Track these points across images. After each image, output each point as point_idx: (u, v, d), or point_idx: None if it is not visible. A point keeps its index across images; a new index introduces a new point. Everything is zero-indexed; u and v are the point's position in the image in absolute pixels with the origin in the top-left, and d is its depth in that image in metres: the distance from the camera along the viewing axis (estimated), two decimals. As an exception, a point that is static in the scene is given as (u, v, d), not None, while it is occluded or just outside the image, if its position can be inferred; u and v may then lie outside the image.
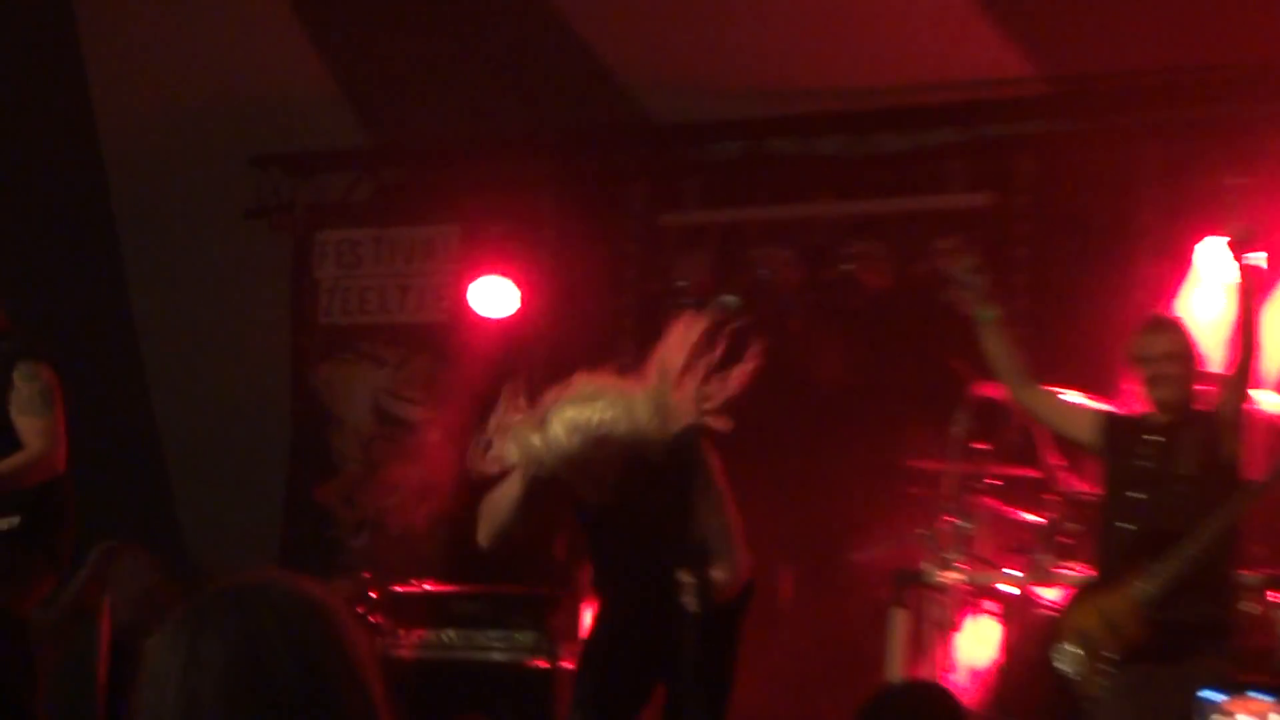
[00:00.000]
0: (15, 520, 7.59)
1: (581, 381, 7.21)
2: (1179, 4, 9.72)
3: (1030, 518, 9.25)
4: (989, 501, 9.31)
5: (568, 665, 9.94)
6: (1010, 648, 8.98)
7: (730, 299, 7.36)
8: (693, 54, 11.03)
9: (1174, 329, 8.22)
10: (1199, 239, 9.94)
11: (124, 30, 11.56)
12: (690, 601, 6.68)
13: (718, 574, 6.87)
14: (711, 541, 6.92)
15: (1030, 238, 10.76)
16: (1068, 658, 7.95)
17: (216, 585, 2.69)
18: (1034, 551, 9.07)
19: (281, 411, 12.69)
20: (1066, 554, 8.95)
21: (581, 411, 7.04)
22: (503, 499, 7.40)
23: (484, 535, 7.56)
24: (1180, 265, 10.04)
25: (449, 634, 10.29)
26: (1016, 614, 9.15)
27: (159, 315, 12.35)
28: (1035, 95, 10.72)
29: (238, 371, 12.28)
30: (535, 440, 7.10)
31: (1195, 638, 7.59)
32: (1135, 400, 8.16)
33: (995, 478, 9.32)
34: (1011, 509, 9.40)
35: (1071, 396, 8.48)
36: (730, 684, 7.31)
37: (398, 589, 10.57)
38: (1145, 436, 8.04)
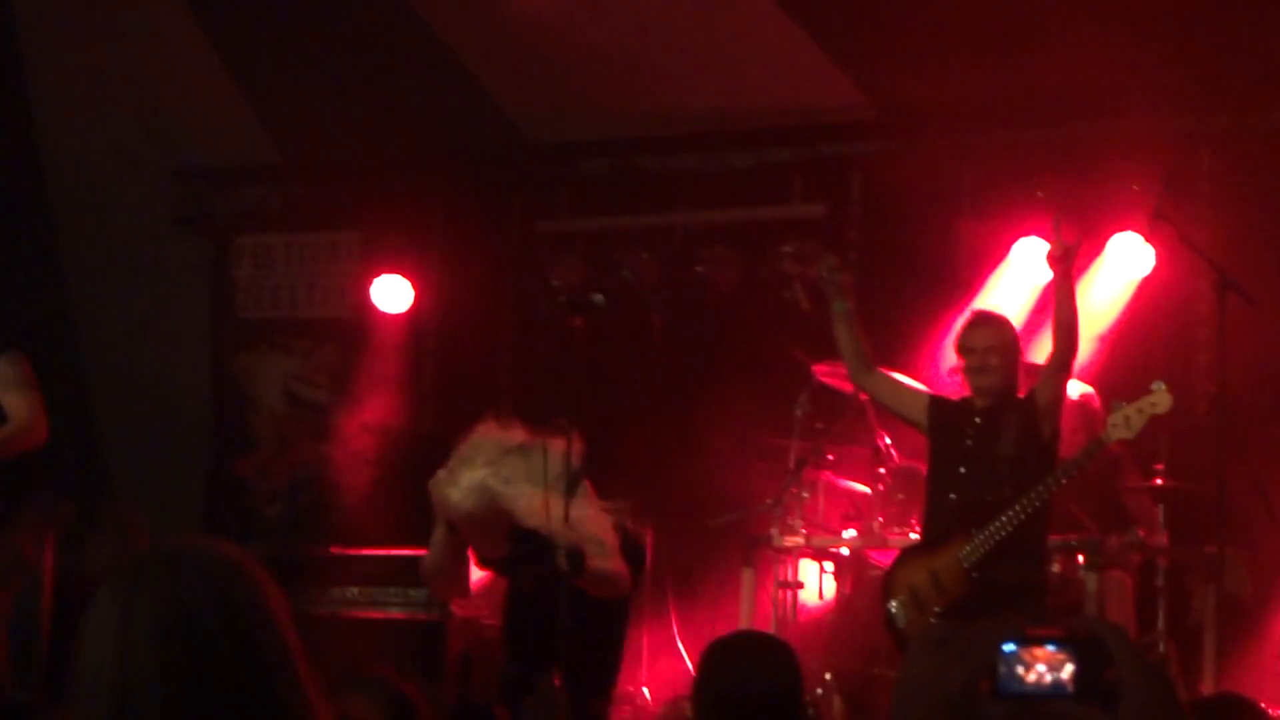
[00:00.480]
0: None
1: (486, 437, 7.04)
2: (991, 40, 9.59)
3: (862, 488, 9.14)
4: (826, 474, 9.20)
5: (459, 615, 9.80)
6: (844, 603, 8.85)
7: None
8: (565, 81, 10.92)
9: (996, 324, 8.05)
10: (1011, 243, 9.94)
11: (63, 58, 11.30)
12: (562, 560, 6.71)
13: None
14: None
15: (860, 243, 10.77)
16: (899, 610, 7.86)
17: (145, 550, 2.63)
18: (866, 518, 8.98)
19: (204, 395, 12.54)
20: (895, 520, 8.85)
21: (477, 475, 6.86)
22: (432, 544, 7.34)
23: (423, 574, 7.58)
24: (994, 267, 10.01)
25: (352, 591, 10.03)
26: (850, 573, 9.09)
27: (95, 310, 12.09)
28: (865, 119, 10.71)
29: (165, 360, 12.12)
30: (449, 494, 7.00)
31: (1011, 595, 7.48)
32: (960, 386, 8.03)
33: (832, 453, 9.18)
34: (846, 480, 9.28)
35: (905, 380, 8.30)
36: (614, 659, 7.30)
37: (307, 552, 10.43)
38: (970, 419, 7.87)
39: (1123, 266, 9.64)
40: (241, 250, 12.45)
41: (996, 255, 10.02)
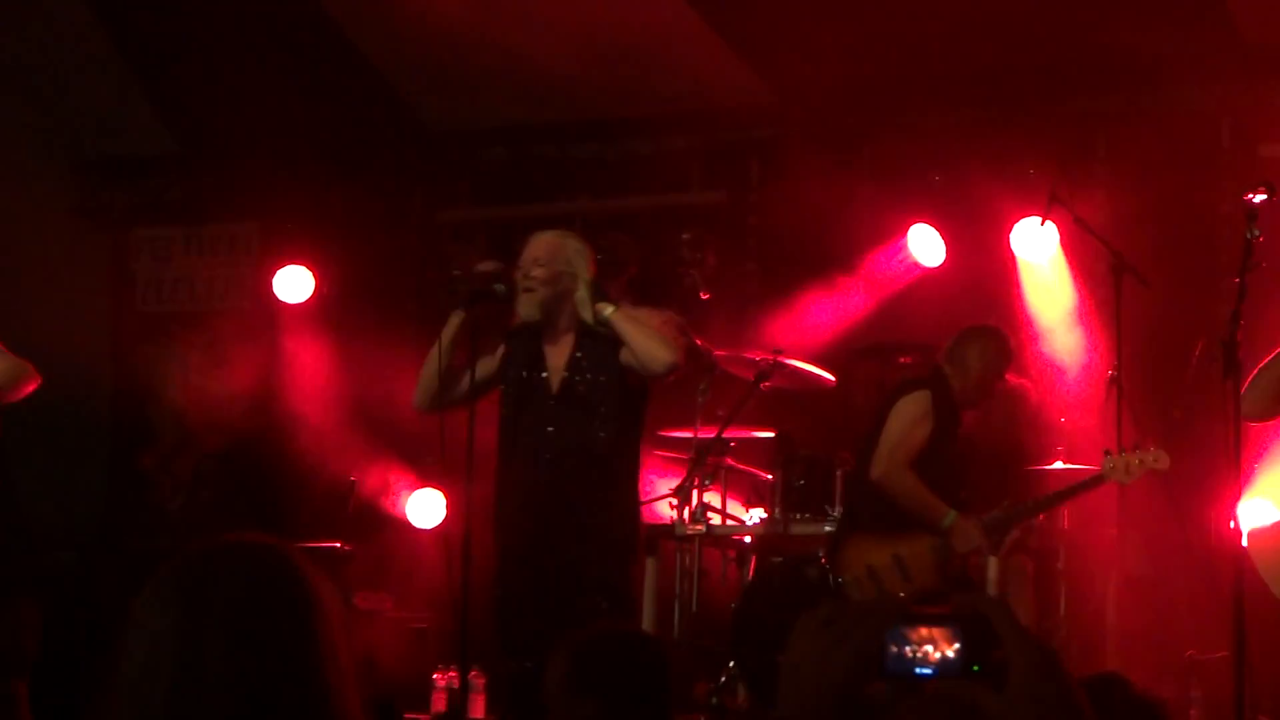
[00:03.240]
0: None
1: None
2: (886, 23, 9.49)
3: (765, 475, 8.98)
4: (729, 461, 9.01)
5: (363, 607, 9.75)
6: (747, 590, 8.69)
7: (500, 287, 6.96)
8: (464, 70, 10.72)
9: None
10: (908, 227, 9.83)
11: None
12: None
13: None
14: None
15: (760, 229, 10.68)
16: (852, 588, 7.86)
17: (202, 549, 2.60)
18: (769, 504, 8.85)
19: (104, 389, 12.29)
20: (797, 506, 8.71)
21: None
22: (438, 343, 6.91)
23: (418, 394, 7.02)
24: (892, 251, 9.86)
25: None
26: (753, 560, 8.96)
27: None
28: (763, 105, 10.58)
29: (64, 354, 11.71)
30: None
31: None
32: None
33: (734, 440, 9.00)
34: (749, 468, 9.12)
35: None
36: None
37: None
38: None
39: (1027, 251, 9.50)
40: (140, 243, 12.22)
41: (895, 239, 9.92)
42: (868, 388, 9.35)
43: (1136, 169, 9.62)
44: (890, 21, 9.50)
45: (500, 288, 6.87)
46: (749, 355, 8.92)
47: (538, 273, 6.82)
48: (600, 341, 6.70)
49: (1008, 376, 8.89)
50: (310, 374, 11.06)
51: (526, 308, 6.80)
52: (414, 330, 11.00)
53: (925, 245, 9.78)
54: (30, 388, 7.51)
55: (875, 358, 9.30)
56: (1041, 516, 8.44)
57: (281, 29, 10.78)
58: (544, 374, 6.79)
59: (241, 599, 2.52)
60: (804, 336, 9.63)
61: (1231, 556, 6.48)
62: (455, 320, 6.84)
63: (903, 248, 9.83)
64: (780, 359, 8.92)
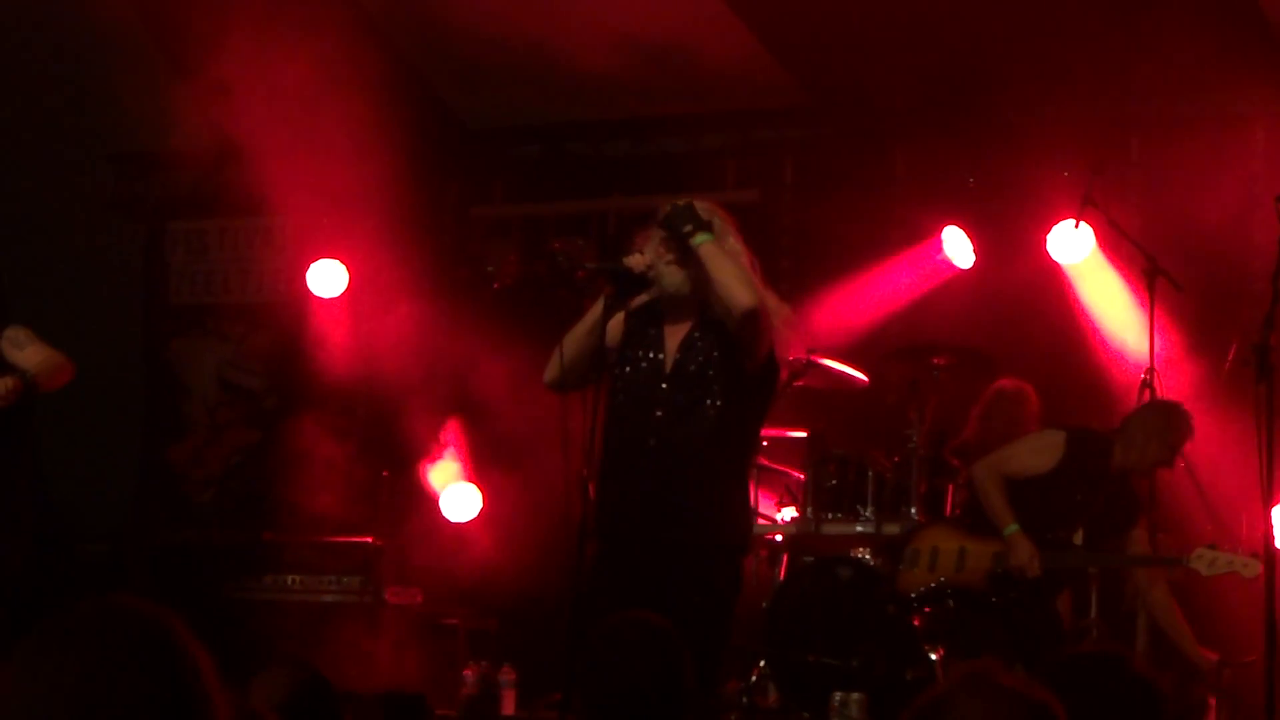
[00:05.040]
0: None
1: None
2: (922, 24, 9.54)
3: (796, 475, 9.03)
4: (760, 460, 9.01)
5: (394, 602, 9.80)
6: (779, 589, 8.73)
7: (648, 272, 6.51)
8: (500, 67, 10.79)
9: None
10: (942, 228, 9.89)
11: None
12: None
13: None
14: None
15: (792, 228, 10.67)
16: (911, 558, 8.19)
17: (66, 611, 2.56)
18: (800, 504, 8.89)
19: (136, 381, 12.32)
20: (829, 506, 8.76)
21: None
22: (582, 323, 6.60)
23: (553, 368, 6.63)
24: (925, 251, 9.90)
25: (285, 578, 9.96)
26: (784, 559, 9.01)
27: (26, 296, 11.85)
28: (797, 104, 10.65)
29: (97, 346, 11.81)
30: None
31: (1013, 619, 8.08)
32: None
33: (765, 439, 9.00)
34: (781, 467, 9.19)
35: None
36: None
37: (240, 539, 10.34)
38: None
39: (1064, 254, 9.53)
40: (175, 236, 12.28)
41: (928, 240, 9.96)
42: (900, 388, 9.38)
43: (1170, 172, 9.64)
44: (924, 24, 9.53)
45: (650, 274, 6.48)
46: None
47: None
48: (718, 326, 6.47)
49: (1006, 380, 8.98)
50: (343, 368, 11.11)
51: (672, 279, 6.47)
52: (446, 325, 11.09)
53: (958, 247, 9.83)
54: (65, 378, 7.58)
55: (907, 358, 9.32)
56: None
57: (318, 24, 10.82)
58: (660, 355, 6.55)
59: (93, 663, 2.49)
60: (836, 336, 9.67)
61: (1265, 560, 6.51)
62: (601, 304, 6.51)
63: (936, 248, 9.87)
64: (813, 358, 8.96)
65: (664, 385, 6.48)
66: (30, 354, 7.47)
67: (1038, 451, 8.17)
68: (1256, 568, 7.58)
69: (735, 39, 10.10)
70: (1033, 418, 8.93)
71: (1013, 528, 7.93)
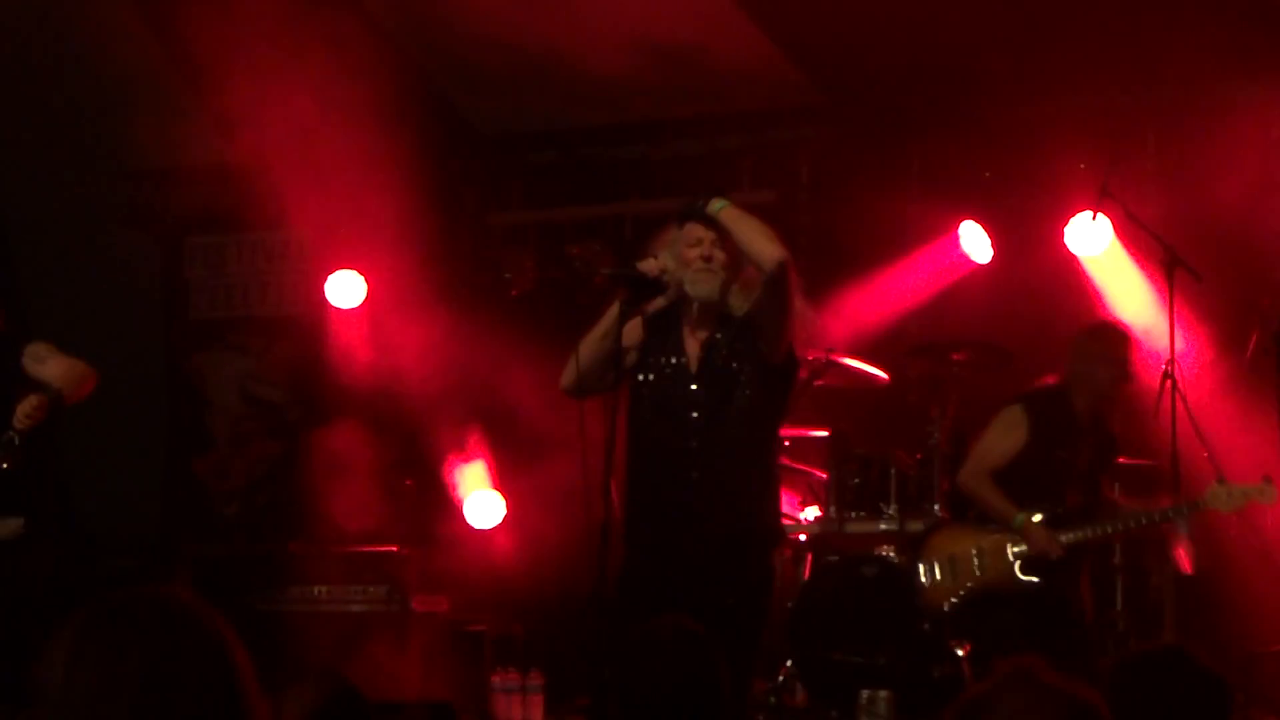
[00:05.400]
0: (19, 523, 7.39)
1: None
2: (935, 21, 9.53)
3: (819, 474, 9.04)
4: (783, 459, 9.01)
5: (420, 610, 9.83)
6: (804, 588, 8.74)
7: (665, 277, 6.54)
8: (514, 73, 10.81)
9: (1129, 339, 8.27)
10: (959, 223, 9.92)
11: (10, 55, 11.07)
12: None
13: None
14: None
15: (810, 228, 10.63)
16: (930, 571, 8.14)
17: (122, 596, 2.65)
18: (824, 502, 8.91)
19: (159, 396, 12.35)
20: (852, 505, 8.77)
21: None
22: (595, 331, 6.61)
23: (568, 374, 6.67)
24: (942, 248, 9.88)
25: (311, 589, 9.99)
26: (809, 558, 9.01)
27: (46, 313, 11.90)
28: (812, 104, 10.65)
29: (118, 362, 11.82)
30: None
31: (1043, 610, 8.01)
32: None
33: (787, 438, 9.03)
34: (803, 466, 9.17)
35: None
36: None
37: (266, 551, 10.38)
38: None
39: (1082, 247, 9.53)
40: (193, 250, 12.31)
41: (946, 236, 9.96)
42: (921, 385, 9.38)
43: (1187, 163, 9.63)
44: (938, 20, 9.52)
45: (665, 278, 6.53)
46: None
47: (720, 255, 6.52)
48: (736, 324, 6.55)
49: (1052, 378, 8.96)
50: (363, 379, 11.13)
51: (705, 287, 6.51)
52: (465, 332, 11.10)
53: (976, 242, 9.83)
54: (89, 387, 7.63)
55: (928, 355, 9.33)
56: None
57: (332, 35, 10.85)
58: (683, 359, 6.60)
59: (158, 651, 2.55)
60: (856, 335, 9.68)
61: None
62: (616, 309, 6.53)
63: (954, 244, 9.88)
64: (833, 357, 8.98)
65: (694, 386, 6.55)
66: (52, 367, 7.51)
67: (1005, 432, 8.21)
68: (1274, 492, 7.61)
69: (748, 40, 10.10)
70: None
71: (1019, 518, 7.94)
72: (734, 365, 6.53)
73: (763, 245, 6.41)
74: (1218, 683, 3.73)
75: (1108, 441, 8.21)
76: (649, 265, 6.52)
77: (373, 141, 11.30)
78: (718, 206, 6.42)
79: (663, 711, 4.60)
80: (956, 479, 8.33)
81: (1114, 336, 8.21)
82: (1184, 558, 8.07)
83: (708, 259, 6.50)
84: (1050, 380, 8.29)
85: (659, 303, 6.58)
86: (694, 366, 6.57)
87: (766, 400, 6.59)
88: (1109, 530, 8.06)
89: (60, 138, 11.53)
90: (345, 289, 11.30)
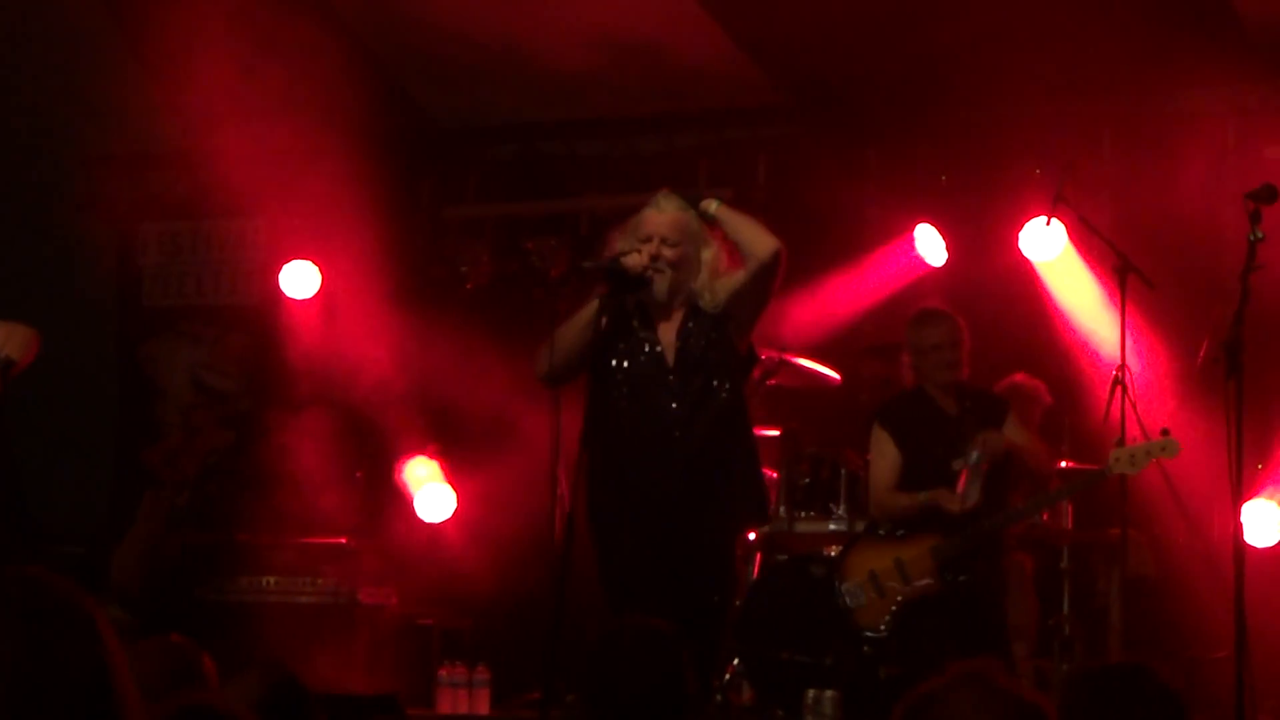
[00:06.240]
0: None
1: None
2: (895, 23, 9.55)
3: (770, 473, 9.05)
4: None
5: (368, 602, 9.80)
6: (752, 588, 8.74)
7: (647, 273, 6.75)
8: (472, 66, 10.79)
9: (948, 319, 8.18)
10: (914, 226, 9.93)
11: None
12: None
13: None
14: None
15: (767, 227, 10.50)
16: (854, 592, 8.03)
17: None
18: (774, 503, 8.90)
19: (110, 383, 12.31)
20: (802, 505, 8.79)
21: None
22: (575, 321, 6.77)
23: (542, 362, 6.79)
24: (899, 249, 9.91)
25: (260, 580, 9.93)
26: (758, 558, 9.02)
27: (-2, 299, 11.88)
28: (771, 103, 10.66)
29: (69, 349, 11.77)
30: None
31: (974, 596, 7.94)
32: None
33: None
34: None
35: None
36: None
37: (215, 540, 10.35)
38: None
39: (1036, 251, 9.56)
40: (147, 238, 12.26)
41: (901, 238, 9.99)
42: (873, 386, 9.40)
43: (1142, 170, 9.68)
44: (897, 21, 9.55)
45: (648, 274, 6.71)
46: (754, 353, 8.97)
47: (669, 254, 6.73)
48: (707, 315, 6.71)
49: (1016, 376, 8.99)
50: (316, 369, 11.10)
51: (657, 289, 6.72)
52: (419, 325, 11.08)
53: (931, 244, 9.86)
54: (35, 347, 7.38)
55: (880, 356, 9.35)
56: (1046, 515, 8.53)
57: (289, 25, 10.82)
58: (658, 348, 6.73)
59: (27, 632, 2.52)
60: (809, 334, 9.69)
61: (1235, 556, 6.55)
62: (595, 304, 6.70)
63: (909, 247, 9.90)
64: (785, 356, 9.00)
65: (671, 376, 6.66)
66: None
67: (878, 452, 8.24)
68: (1176, 446, 7.59)
69: (708, 38, 10.11)
70: (1040, 414, 8.97)
71: (923, 495, 7.95)
72: (711, 356, 6.67)
73: (758, 236, 6.73)
74: (1176, 701, 3.75)
75: (989, 407, 8.20)
76: (632, 260, 6.64)
77: (329, 132, 11.29)
78: (712, 207, 6.60)
79: (630, 713, 4.60)
80: (870, 513, 8.34)
81: (931, 322, 8.23)
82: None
83: (658, 261, 6.64)
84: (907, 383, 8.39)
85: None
86: (670, 356, 6.67)
87: (740, 386, 6.79)
88: (1019, 514, 8.08)
89: (14, 122, 11.48)
90: (299, 279, 11.27)
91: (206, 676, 4.63)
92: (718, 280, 6.75)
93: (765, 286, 6.73)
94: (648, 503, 6.63)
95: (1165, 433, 7.64)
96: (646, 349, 6.70)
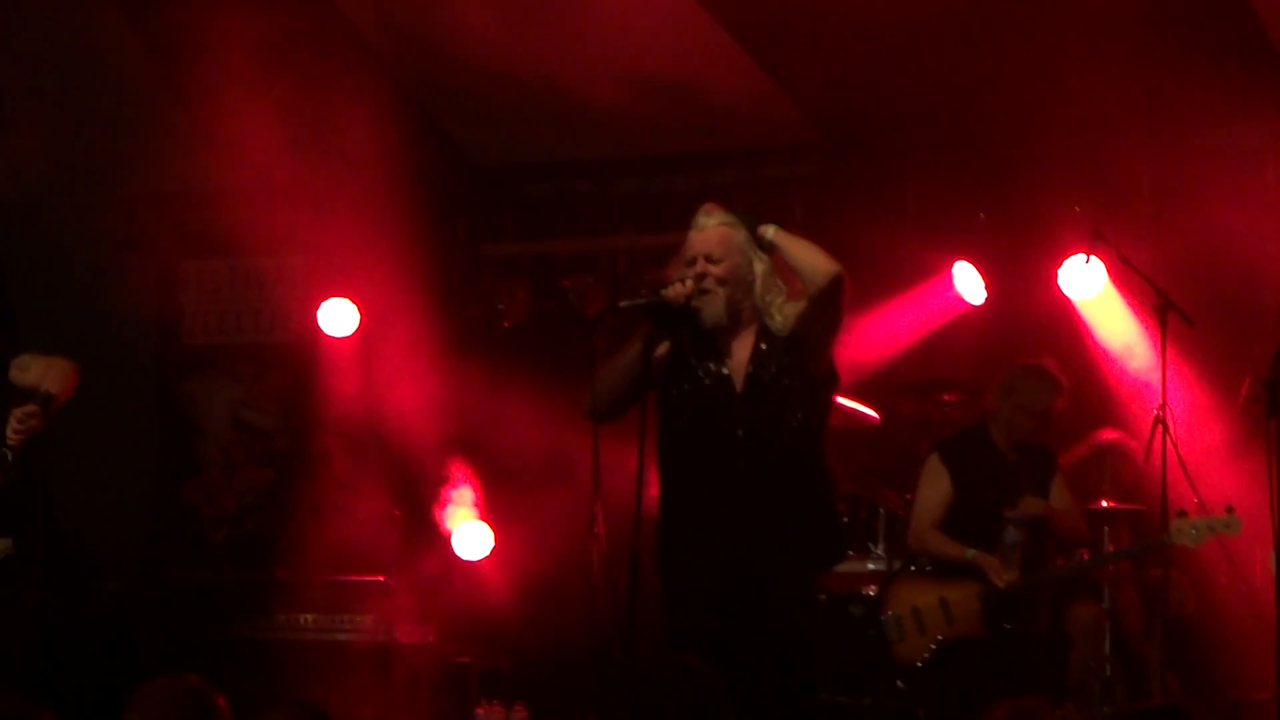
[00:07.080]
0: (8, 544, 7.19)
1: None
2: (933, 62, 9.51)
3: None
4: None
5: (406, 641, 9.83)
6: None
7: (694, 304, 6.25)
8: (509, 105, 10.82)
9: (1059, 391, 8.39)
10: (953, 264, 9.93)
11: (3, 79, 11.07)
12: None
13: None
14: None
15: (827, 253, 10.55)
16: (896, 623, 8.11)
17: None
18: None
19: (150, 421, 12.33)
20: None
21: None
22: (617, 361, 6.28)
23: (594, 403, 6.27)
24: (937, 287, 9.92)
25: (299, 617, 9.94)
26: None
27: (39, 337, 11.84)
28: (808, 141, 10.65)
29: (110, 387, 11.82)
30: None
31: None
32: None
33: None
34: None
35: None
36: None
37: (254, 577, 10.45)
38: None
39: (1076, 289, 9.52)
40: (187, 276, 12.30)
41: (939, 276, 9.96)
42: (912, 425, 9.37)
43: (1181, 207, 9.62)
44: (936, 60, 9.52)
45: (695, 303, 6.23)
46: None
47: (715, 270, 6.23)
48: (778, 337, 6.26)
49: (1106, 432, 8.94)
50: (355, 407, 11.11)
51: (710, 312, 6.23)
52: (456, 362, 11.08)
53: (969, 283, 9.82)
54: (75, 379, 7.41)
55: (919, 395, 9.32)
56: (1084, 553, 8.49)
57: (328, 64, 10.85)
58: (724, 370, 6.28)
59: None
60: (847, 373, 9.61)
61: (1277, 597, 6.48)
62: (639, 347, 6.20)
63: (947, 285, 9.87)
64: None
65: (739, 402, 6.21)
66: (36, 371, 7.41)
67: (930, 484, 8.32)
68: (1239, 524, 7.61)
69: (745, 76, 10.09)
70: (1137, 473, 8.85)
71: (970, 553, 7.95)
72: (784, 382, 6.23)
73: (820, 260, 6.23)
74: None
75: (1040, 462, 8.30)
76: (673, 291, 6.19)
77: (367, 170, 11.31)
78: (770, 233, 6.26)
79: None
80: (907, 541, 8.35)
81: (1037, 384, 8.27)
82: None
83: (703, 281, 6.21)
84: (970, 421, 8.39)
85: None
86: (740, 381, 6.26)
87: (816, 418, 6.33)
88: (1071, 572, 8.12)
89: (56, 161, 11.52)
90: (338, 317, 11.29)
91: (220, 717, 4.62)
92: (785, 300, 6.29)
93: (832, 312, 6.23)
94: (706, 541, 6.16)
95: (1230, 510, 7.64)
96: (714, 369, 6.24)
